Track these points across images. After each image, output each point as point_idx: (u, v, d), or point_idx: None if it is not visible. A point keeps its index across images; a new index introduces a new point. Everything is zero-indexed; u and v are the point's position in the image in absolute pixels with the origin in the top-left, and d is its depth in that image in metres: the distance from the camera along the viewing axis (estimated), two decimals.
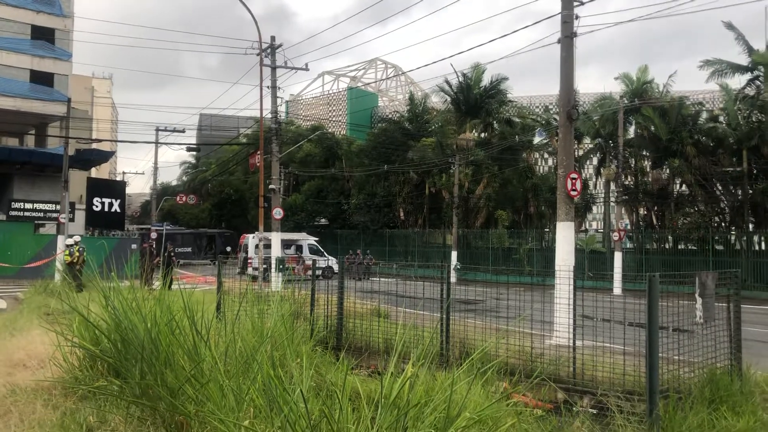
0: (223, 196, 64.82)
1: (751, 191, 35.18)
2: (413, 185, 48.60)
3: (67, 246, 24.04)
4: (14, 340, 9.07)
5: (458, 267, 37.54)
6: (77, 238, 24.33)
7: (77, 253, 23.19)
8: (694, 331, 7.63)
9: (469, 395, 4.67)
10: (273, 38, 27.72)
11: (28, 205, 41.49)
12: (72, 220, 34.98)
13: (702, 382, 7.06)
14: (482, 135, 47.15)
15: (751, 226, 35.95)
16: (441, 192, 45.55)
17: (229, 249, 50.77)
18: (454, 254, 38.97)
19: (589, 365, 8.34)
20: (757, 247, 35.36)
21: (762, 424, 6.53)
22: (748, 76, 36.10)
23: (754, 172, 34.93)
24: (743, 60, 35.77)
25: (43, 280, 23.49)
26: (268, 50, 27.67)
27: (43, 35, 45.23)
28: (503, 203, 43.98)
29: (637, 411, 6.64)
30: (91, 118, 59.19)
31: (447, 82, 47.06)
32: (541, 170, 51.73)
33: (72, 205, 35.79)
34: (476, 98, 46.61)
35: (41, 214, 40.96)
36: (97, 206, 42.46)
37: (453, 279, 20.68)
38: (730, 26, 35.48)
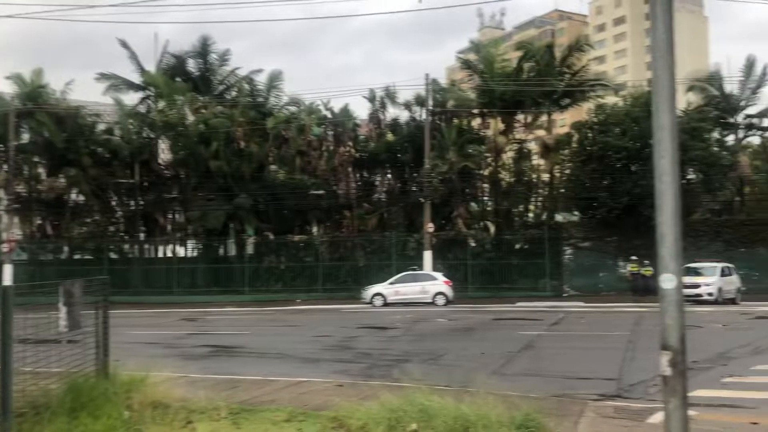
0: None
1: (143, 202, 37.56)
2: None
3: None
4: None
5: None
6: None
7: None
8: (61, 341, 7.52)
9: None
10: None
11: None
12: None
13: (64, 391, 6.98)
14: None
15: (142, 235, 38.38)
16: None
17: None
18: None
19: None
20: (147, 255, 37.98)
21: (122, 422, 6.81)
22: (141, 94, 38.59)
23: (145, 184, 37.30)
24: (137, 78, 38.01)
25: None
26: None
27: None
28: None
29: None
30: None
31: None
32: None
33: None
34: None
35: None
36: None
37: None
38: (124, 44, 37.30)
